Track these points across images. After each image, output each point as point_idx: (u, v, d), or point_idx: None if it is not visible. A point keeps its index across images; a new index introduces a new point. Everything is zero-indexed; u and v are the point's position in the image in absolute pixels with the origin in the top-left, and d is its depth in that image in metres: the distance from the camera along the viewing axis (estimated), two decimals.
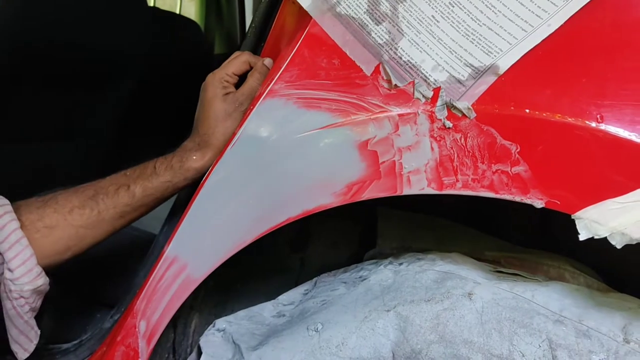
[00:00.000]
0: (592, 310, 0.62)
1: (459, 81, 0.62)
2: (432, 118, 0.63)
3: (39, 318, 0.73)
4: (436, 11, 0.60)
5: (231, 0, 2.32)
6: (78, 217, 0.73)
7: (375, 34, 0.62)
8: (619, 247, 0.57)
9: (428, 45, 0.61)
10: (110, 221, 0.75)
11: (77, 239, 0.73)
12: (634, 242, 0.56)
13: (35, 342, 0.72)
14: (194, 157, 0.75)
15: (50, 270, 0.71)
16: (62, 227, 0.72)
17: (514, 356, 0.60)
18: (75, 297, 1.09)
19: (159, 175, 0.75)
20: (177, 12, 2.32)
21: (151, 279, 0.74)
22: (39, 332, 0.72)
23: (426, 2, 0.60)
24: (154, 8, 2.00)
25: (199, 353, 0.73)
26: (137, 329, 0.76)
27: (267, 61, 0.77)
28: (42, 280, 0.69)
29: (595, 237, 0.58)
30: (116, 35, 1.52)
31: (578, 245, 0.58)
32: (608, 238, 0.57)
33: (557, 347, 0.59)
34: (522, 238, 0.88)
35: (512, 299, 0.64)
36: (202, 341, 0.75)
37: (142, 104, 1.63)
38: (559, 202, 0.59)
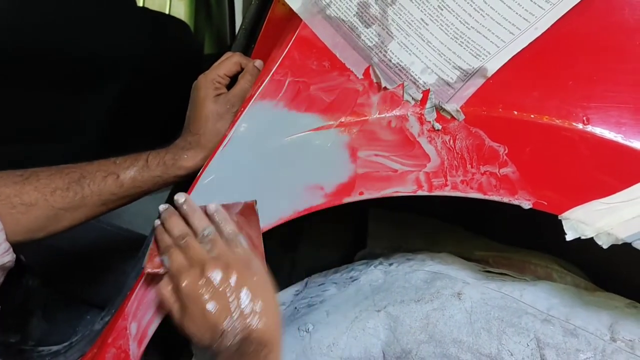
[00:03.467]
0: (580, 309, 0.63)
1: (448, 84, 0.62)
2: (421, 120, 0.63)
3: (28, 319, 0.72)
4: (425, 14, 0.61)
5: (220, 0, 2.31)
6: (60, 198, 0.70)
7: (365, 36, 0.63)
8: (605, 247, 0.58)
9: (417, 48, 0.62)
10: (92, 207, 0.73)
11: (54, 220, 0.71)
12: (620, 242, 0.57)
13: None
14: (186, 156, 0.74)
15: (19, 251, 0.70)
16: (42, 206, 0.70)
17: (503, 355, 0.61)
18: (65, 298, 1.09)
19: (150, 169, 0.74)
20: (167, 12, 2.31)
21: (142, 280, 0.74)
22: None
23: (415, 5, 0.60)
24: (143, 8, 1.99)
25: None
26: (128, 331, 0.76)
27: (258, 63, 0.77)
28: (9, 257, 0.68)
29: (582, 237, 0.58)
30: (105, 36, 1.51)
31: (566, 244, 0.59)
32: (594, 238, 0.58)
33: (545, 346, 0.60)
34: (511, 237, 0.89)
35: (501, 298, 0.65)
36: None
37: (132, 105, 1.62)
38: (546, 203, 0.60)
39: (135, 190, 0.74)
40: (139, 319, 0.76)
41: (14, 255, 0.69)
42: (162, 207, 0.71)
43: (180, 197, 0.69)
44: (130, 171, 0.73)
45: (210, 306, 0.61)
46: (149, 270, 0.69)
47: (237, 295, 0.62)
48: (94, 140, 1.57)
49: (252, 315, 0.61)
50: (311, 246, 1.01)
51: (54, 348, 0.89)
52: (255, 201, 0.68)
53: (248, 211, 0.69)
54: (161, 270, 0.68)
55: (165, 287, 0.67)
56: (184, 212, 0.69)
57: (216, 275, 0.62)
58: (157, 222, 0.71)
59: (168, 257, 0.67)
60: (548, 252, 0.81)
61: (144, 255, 0.75)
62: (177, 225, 0.68)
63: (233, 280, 0.62)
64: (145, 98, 1.67)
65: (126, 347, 0.77)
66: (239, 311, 0.61)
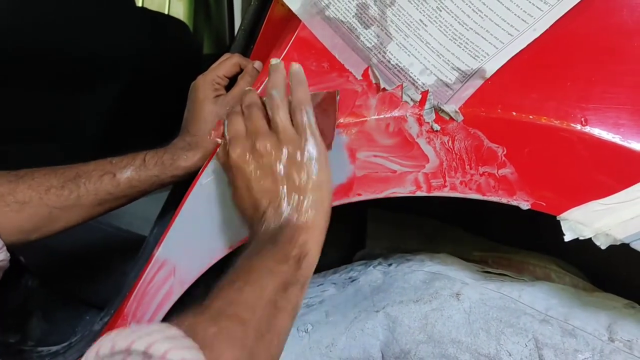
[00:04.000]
0: (578, 310, 0.63)
1: (447, 85, 0.62)
2: (420, 121, 0.63)
3: (27, 320, 0.72)
4: (424, 15, 0.61)
5: (219, 0, 2.32)
6: (55, 197, 0.69)
7: (364, 37, 0.63)
8: (603, 247, 0.58)
9: (416, 49, 0.62)
10: (87, 207, 0.72)
11: (49, 219, 0.70)
12: (618, 243, 0.57)
13: None
14: (185, 157, 0.74)
15: (12, 249, 0.68)
16: (36, 205, 0.69)
17: (501, 355, 0.61)
18: (65, 299, 1.09)
19: (147, 169, 0.73)
20: (166, 12, 2.31)
21: (141, 281, 0.74)
22: None
23: (414, 6, 0.61)
24: (142, 8, 1.99)
25: None
26: None
27: (258, 64, 0.77)
28: (3, 256, 0.67)
29: (580, 237, 0.59)
30: (104, 36, 1.51)
31: (565, 245, 0.59)
32: (593, 239, 0.58)
33: (543, 346, 0.60)
34: (510, 238, 0.89)
35: (499, 299, 0.65)
36: None
37: (131, 105, 1.62)
38: (544, 204, 0.60)
39: (131, 190, 0.73)
40: (138, 320, 0.76)
41: (8, 255, 0.68)
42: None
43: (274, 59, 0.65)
44: (127, 170, 0.73)
45: (255, 183, 0.58)
46: (212, 137, 0.68)
47: (287, 176, 0.58)
48: (93, 140, 1.57)
49: (298, 205, 0.57)
50: None
51: (54, 348, 0.89)
52: (338, 91, 0.64)
53: (328, 101, 0.65)
54: (219, 140, 0.65)
55: (220, 156, 0.64)
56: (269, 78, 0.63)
57: (266, 150, 0.58)
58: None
59: (228, 122, 0.63)
60: (547, 252, 0.82)
61: (143, 255, 0.75)
62: (249, 93, 0.65)
63: (283, 158, 0.58)
64: (145, 98, 1.67)
65: None
66: (284, 195, 0.57)
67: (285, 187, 0.58)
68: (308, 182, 0.58)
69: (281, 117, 0.60)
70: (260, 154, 0.59)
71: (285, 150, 0.58)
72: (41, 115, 1.44)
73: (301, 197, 0.57)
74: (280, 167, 0.58)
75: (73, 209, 0.71)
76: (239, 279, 0.52)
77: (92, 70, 1.51)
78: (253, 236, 0.58)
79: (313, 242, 0.57)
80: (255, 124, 0.60)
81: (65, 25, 1.42)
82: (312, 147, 0.59)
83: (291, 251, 0.54)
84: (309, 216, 0.57)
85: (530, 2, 0.57)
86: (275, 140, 0.59)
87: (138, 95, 1.64)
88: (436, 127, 0.63)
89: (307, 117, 0.60)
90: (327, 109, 0.64)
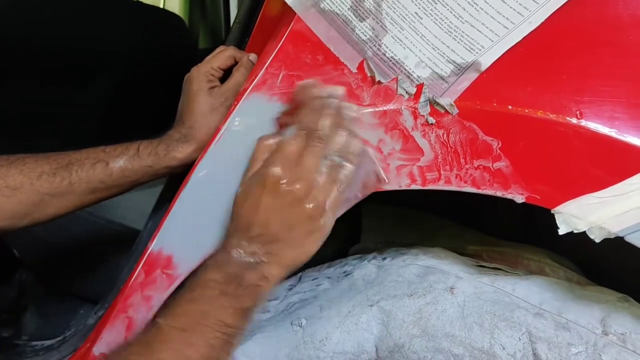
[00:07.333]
0: (572, 303, 0.63)
1: (442, 78, 0.62)
2: (415, 114, 0.63)
3: (22, 314, 0.72)
4: (419, 8, 0.60)
5: None
6: (46, 183, 0.69)
7: (359, 30, 0.63)
8: (597, 241, 0.58)
9: (411, 42, 0.62)
10: (79, 195, 0.71)
11: (40, 206, 0.70)
12: (612, 236, 0.57)
13: None
14: (180, 148, 0.74)
15: (12, 245, 0.69)
16: (27, 191, 0.68)
17: (495, 349, 0.61)
18: (59, 293, 1.08)
19: (141, 159, 0.73)
20: (161, 6, 2.30)
21: (135, 274, 0.74)
22: None
23: None
24: (138, 2, 1.98)
25: None
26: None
27: (253, 56, 0.77)
28: None
29: (575, 231, 0.59)
30: (99, 30, 1.50)
31: (560, 238, 0.59)
32: (587, 232, 0.58)
33: (537, 340, 0.60)
34: (505, 232, 0.89)
35: (493, 292, 0.65)
36: None
37: (126, 99, 1.61)
38: (539, 197, 0.60)
39: (124, 180, 0.73)
40: (132, 314, 0.76)
41: None
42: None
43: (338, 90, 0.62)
44: (120, 159, 0.72)
45: (266, 209, 0.56)
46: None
47: (291, 227, 0.57)
48: (88, 134, 1.56)
49: (279, 257, 0.56)
50: None
51: (48, 342, 0.89)
52: (384, 179, 0.63)
53: (369, 174, 0.63)
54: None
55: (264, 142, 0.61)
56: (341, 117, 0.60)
57: (299, 194, 0.56)
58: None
59: (293, 132, 0.59)
60: (542, 246, 0.82)
61: (138, 249, 0.74)
62: (325, 123, 0.59)
63: (301, 212, 0.57)
64: (140, 92, 1.67)
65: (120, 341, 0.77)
66: (275, 240, 0.57)
67: (283, 234, 0.57)
68: (301, 244, 0.58)
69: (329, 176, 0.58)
70: (292, 193, 0.57)
71: (309, 205, 0.57)
72: (35, 109, 1.44)
73: (286, 253, 0.57)
74: (293, 215, 0.57)
75: (64, 196, 0.71)
76: (190, 328, 0.52)
77: (86, 65, 1.51)
78: (224, 249, 0.58)
79: (266, 295, 0.57)
80: (308, 164, 0.57)
81: (60, 20, 1.41)
82: (329, 220, 0.59)
83: (248, 302, 0.55)
84: (278, 273, 0.57)
85: None
86: (309, 190, 0.57)
87: (133, 90, 1.63)
88: (431, 120, 0.63)
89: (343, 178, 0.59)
90: (363, 184, 0.63)
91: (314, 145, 0.58)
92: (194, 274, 0.60)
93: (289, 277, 0.84)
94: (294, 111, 0.62)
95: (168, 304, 0.56)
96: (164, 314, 0.54)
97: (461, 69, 0.61)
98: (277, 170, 0.57)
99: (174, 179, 0.84)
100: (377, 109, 0.64)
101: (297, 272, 0.86)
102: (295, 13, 0.63)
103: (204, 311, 0.53)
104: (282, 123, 0.64)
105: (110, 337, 0.77)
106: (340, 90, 0.62)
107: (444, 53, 0.61)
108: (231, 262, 0.56)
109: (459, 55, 0.61)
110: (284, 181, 0.57)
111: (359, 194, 0.63)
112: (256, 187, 0.58)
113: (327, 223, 0.59)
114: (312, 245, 0.58)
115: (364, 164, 0.62)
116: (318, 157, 0.58)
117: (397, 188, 0.65)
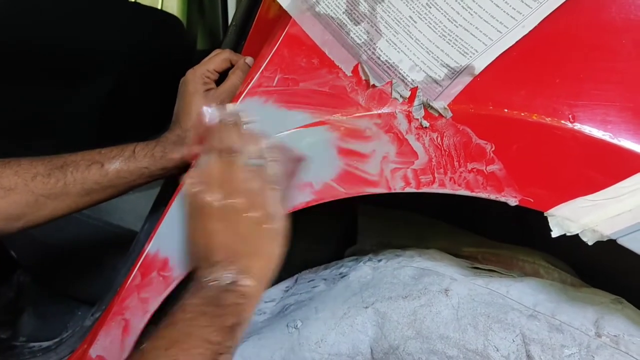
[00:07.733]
0: (565, 305, 0.64)
1: (436, 81, 0.62)
2: (409, 118, 0.63)
3: (19, 315, 0.72)
4: (414, 12, 0.61)
5: None
6: (41, 185, 0.69)
7: (354, 34, 0.63)
8: (590, 243, 0.58)
9: (405, 46, 0.62)
10: (74, 196, 0.71)
11: (34, 207, 0.69)
12: (605, 239, 0.58)
13: None
14: (176, 150, 0.74)
15: (9, 247, 0.68)
16: (21, 191, 0.68)
17: (489, 351, 0.61)
18: (56, 295, 1.09)
19: (137, 160, 0.73)
20: (159, 7, 2.30)
21: (132, 276, 0.74)
22: None
23: (404, 3, 0.61)
24: (135, 3, 1.98)
25: None
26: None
27: (249, 59, 0.78)
28: None
29: (567, 233, 0.59)
30: (97, 31, 1.50)
31: (554, 241, 0.60)
32: (580, 235, 0.59)
33: (531, 342, 0.61)
34: (500, 234, 0.89)
35: (488, 294, 0.66)
36: None
37: (124, 100, 1.61)
38: (532, 200, 0.61)
39: (120, 181, 0.73)
40: (129, 315, 0.76)
41: None
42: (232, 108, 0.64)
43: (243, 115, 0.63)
44: (116, 161, 0.72)
45: (217, 234, 0.56)
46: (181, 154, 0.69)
47: (247, 240, 0.56)
48: (86, 135, 1.56)
49: (248, 271, 0.55)
50: (302, 242, 1.01)
51: (45, 344, 0.89)
52: (305, 157, 0.63)
53: (293, 163, 0.63)
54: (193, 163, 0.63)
55: (188, 180, 0.60)
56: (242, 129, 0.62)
57: (239, 207, 0.56)
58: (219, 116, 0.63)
59: (208, 159, 0.59)
60: (537, 248, 0.82)
61: (135, 251, 0.75)
62: (231, 138, 0.60)
63: (250, 222, 0.57)
64: (138, 93, 1.67)
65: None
66: (238, 257, 0.56)
67: (243, 248, 0.57)
68: (264, 251, 0.57)
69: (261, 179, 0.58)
70: (233, 207, 0.57)
71: (254, 213, 0.57)
72: (33, 110, 1.44)
73: (253, 264, 0.57)
74: (244, 228, 0.57)
75: (59, 197, 0.71)
76: (173, 346, 0.51)
77: (84, 65, 1.51)
78: (196, 277, 0.57)
79: (250, 310, 0.56)
80: (234, 177, 0.58)
81: (58, 20, 1.41)
82: (279, 219, 0.58)
83: (230, 320, 0.54)
84: (254, 285, 0.56)
85: None
86: (247, 199, 0.57)
87: (131, 90, 1.64)
88: (425, 123, 0.63)
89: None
90: (291, 174, 0.63)
91: (232, 158, 0.58)
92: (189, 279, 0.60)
93: (285, 279, 0.85)
94: (202, 144, 0.63)
95: (149, 331, 0.54)
96: (146, 339, 0.54)
97: (455, 73, 0.62)
98: (210, 195, 0.57)
99: (170, 181, 0.85)
100: (371, 112, 0.65)
101: (294, 273, 0.86)
102: (290, 17, 0.64)
103: (186, 332, 0.52)
104: (196, 156, 0.64)
105: (106, 339, 0.78)
106: (230, 107, 0.64)
107: (438, 57, 0.62)
108: (206, 288, 0.55)
109: (452, 59, 0.61)
110: (222, 201, 0.57)
111: (295, 180, 0.63)
112: (200, 218, 0.58)
113: (279, 222, 0.58)
114: (275, 248, 0.58)
115: (282, 154, 0.61)
116: (240, 167, 0.58)
117: (392, 191, 0.65)
